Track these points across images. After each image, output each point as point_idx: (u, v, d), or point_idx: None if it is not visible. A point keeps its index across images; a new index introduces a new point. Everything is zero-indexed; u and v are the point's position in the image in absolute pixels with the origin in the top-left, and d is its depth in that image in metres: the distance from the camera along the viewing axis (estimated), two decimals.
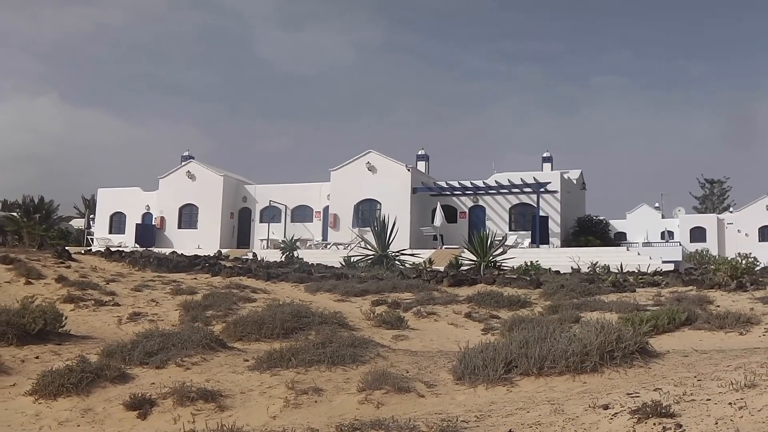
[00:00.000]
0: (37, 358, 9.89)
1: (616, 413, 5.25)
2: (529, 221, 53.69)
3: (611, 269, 29.55)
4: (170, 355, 9.09)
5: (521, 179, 52.67)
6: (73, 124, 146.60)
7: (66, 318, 11.80)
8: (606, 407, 5.44)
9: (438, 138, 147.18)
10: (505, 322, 13.56)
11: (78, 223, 74.32)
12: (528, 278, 22.51)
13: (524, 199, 54.43)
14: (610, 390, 6.29)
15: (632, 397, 5.72)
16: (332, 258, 37.48)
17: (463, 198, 56.22)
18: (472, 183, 55.17)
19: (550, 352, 7.42)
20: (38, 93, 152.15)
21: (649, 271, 28.90)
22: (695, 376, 6.37)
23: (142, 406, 7.30)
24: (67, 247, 28.23)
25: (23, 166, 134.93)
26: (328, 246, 51.79)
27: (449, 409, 6.46)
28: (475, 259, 29.50)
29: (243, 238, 60.31)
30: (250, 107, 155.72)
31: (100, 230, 63.92)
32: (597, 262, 32.29)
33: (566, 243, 52.89)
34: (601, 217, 60.85)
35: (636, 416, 5.01)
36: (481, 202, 55.86)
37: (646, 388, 6.09)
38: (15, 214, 68.85)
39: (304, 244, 51.81)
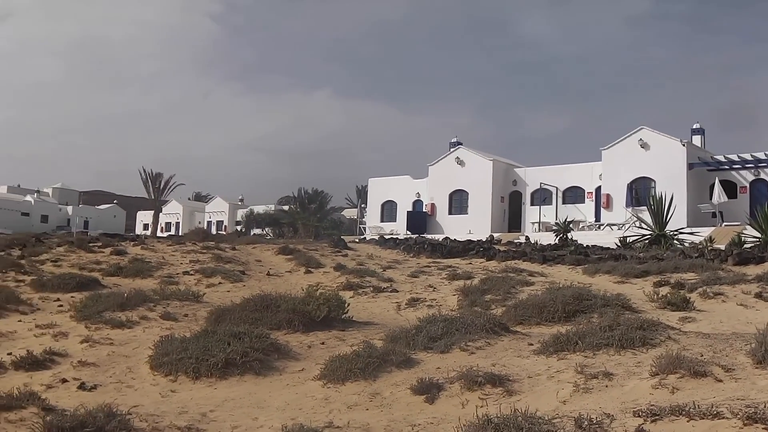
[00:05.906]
0: (322, 344, 10.22)
1: None
2: None
3: None
4: (454, 339, 9.13)
5: None
6: (346, 116, 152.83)
7: (348, 305, 12.14)
8: None
9: (715, 109, 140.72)
10: None
11: (349, 213, 77.35)
12: None
13: None
14: None
15: None
16: (606, 239, 36.68)
17: (743, 172, 53.22)
18: (752, 155, 52.19)
19: None
20: (314, 88, 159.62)
21: None
22: None
23: (429, 390, 7.35)
24: (341, 237, 29.21)
25: (301, 160, 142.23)
26: (602, 227, 50.73)
27: (751, 395, 6.00)
28: (759, 235, 27.80)
29: (514, 221, 60.24)
30: (520, 91, 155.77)
31: (371, 219, 65.98)
32: None
33: None
34: None
35: None
36: (763, 175, 52.74)
37: None
38: (291, 206, 72.77)
39: (577, 225, 51.00)
